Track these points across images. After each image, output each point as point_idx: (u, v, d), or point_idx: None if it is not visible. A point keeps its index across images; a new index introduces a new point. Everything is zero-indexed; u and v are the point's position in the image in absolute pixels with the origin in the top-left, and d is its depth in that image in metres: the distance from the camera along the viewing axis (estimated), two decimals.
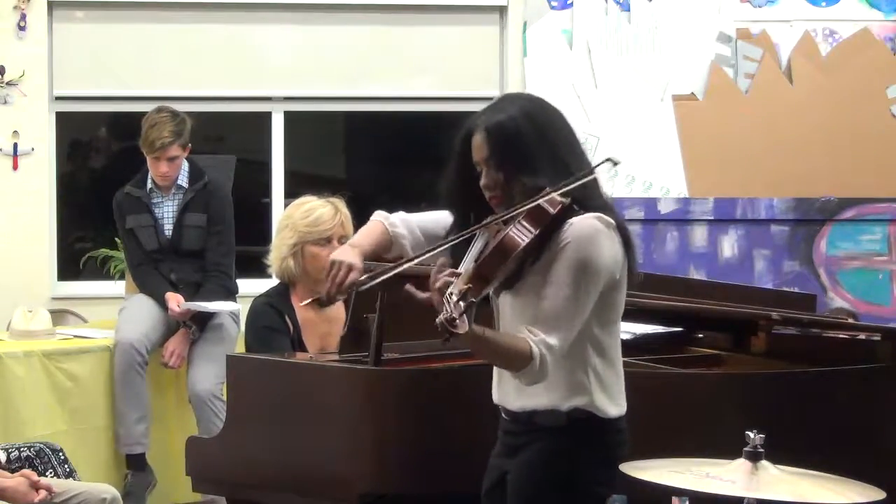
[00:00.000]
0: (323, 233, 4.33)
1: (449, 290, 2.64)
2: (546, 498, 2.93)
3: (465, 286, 2.64)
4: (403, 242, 3.17)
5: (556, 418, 2.91)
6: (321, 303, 3.43)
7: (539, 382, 2.83)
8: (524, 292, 2.90)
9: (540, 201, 2.81)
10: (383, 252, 3.13)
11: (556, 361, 2.82)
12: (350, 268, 2.94)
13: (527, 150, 2.87)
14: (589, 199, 2.89)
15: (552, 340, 2.79)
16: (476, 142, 2.92)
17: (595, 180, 2.94)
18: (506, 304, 2.96)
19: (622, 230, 2.92)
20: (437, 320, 2.61)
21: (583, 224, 2.85)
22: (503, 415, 3.02)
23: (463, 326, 2.60)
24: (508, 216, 2.83)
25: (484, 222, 2.85)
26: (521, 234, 2.78)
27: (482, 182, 2.92)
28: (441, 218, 3.12)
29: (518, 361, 2.79)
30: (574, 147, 2.96)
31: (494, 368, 3.03)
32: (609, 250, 2.87)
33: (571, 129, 2.99)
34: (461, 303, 2.62)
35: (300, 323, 4.32)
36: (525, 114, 2.91)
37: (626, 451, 2.98)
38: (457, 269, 2.72)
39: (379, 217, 3.15)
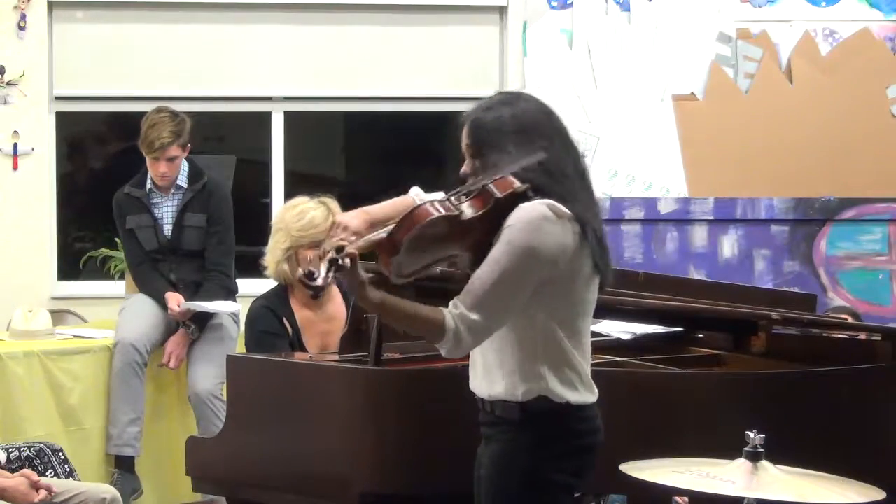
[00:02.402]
0: (315, 236, 4.29)
1: (328, 248, 2.70)
2: (510, 490, 2.95)
3: (344, 251, 2.67)
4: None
5: (512, 410, 2.93)
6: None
7: (459, 355, 2.89)
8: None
9: (487, 183, 2.85)
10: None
11: (480, 338, 2.86)
12: (346, 227, 3.05)
13: (496, 148, 2.94)
14: (551, 187, 2.90)
15: (474, 315, 2.82)
16: (462, 132, 3.04)
17: (579, 172, 2.98)
18: None
19: (581, 223, 2.90)
20: (299, 269, 2.68)
21: (528, 209, 2.87)
22: (479, 404, 3.05)
23: (317, 282, 2.66)
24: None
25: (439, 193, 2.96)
26: (437, 208, 2.79)
27: (461, 170, 3.01)
28: None
29: (430, 331, 2.84)
30: (523, 140, 2.95)
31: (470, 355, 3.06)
32: (553, 237, 2.86)
33: (553, 139, 2.97)
34: (331, 265, 2.65)
35: (299, 323, 4.31)
36: (510, 114, 2.98)
37: (597, 440, 2.98)
38: None
39: (413, 194, 3.22)
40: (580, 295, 2.95)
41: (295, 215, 4.34)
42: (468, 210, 2.82)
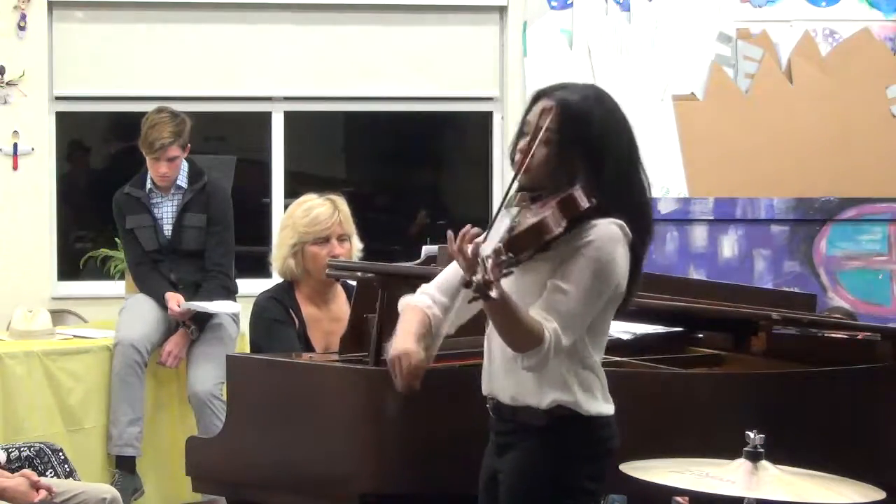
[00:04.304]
0: (320, 232, 4.32)
1: (483, 255, 2.64)
2: (536, 498, 2.94)
3: (503, 254, 2.65)
4: (441, 316, 3.07)
5: (537, 416, 2.92)
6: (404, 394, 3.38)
7: (538, 370, 2.84)
8: (528, 276, 2.90)
9: (574, 192, 2.83)
10: (429, 334, 3.04)
11: (557, 357, 2.83)
12: (408, 354, 2.92)
13: (591, 142, 2.88)
14: (619, 208, 2.90)
15: (563, 335, 2.81)
16: (542, 107, 2.92)
17: (647, 202, 2.98)
18: (505, 284, 2.96)
19: (634, 250, 2.93)
20: (475, 279, 2.61)
21: (607, 228, 2.86)
22: (491, 413, 3.03)
23: (497, 291, 2.62)
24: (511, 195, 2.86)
25: (505, 200, 2.86)
26: (557, 222, 2.79)
27: (520, 145, 2.93)
28: (449, 270, 3.10)
29: (530, 340, 2.79)
30: (630, 159, 2.96)
31: (485, 356, 3.03)
32: (624, 260, 2.89)
33: (635, 144, 2.99)
34: (497, 268, 2.63)
35: (305, 319, 4.31)
36: (603, 108, 2.93)
37: (615, 444, 2.98)
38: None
39: (412, 302, 3.07)
40: (609, 317, 2.98)
41: (302, 212, 4.36)
42: (563, 219, 2.81)
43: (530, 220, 2.79)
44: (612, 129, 2.93)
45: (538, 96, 2.96)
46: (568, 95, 2.93)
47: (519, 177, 2.89)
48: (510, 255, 2.71)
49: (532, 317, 2.81)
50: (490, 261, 2.63)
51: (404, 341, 2.94)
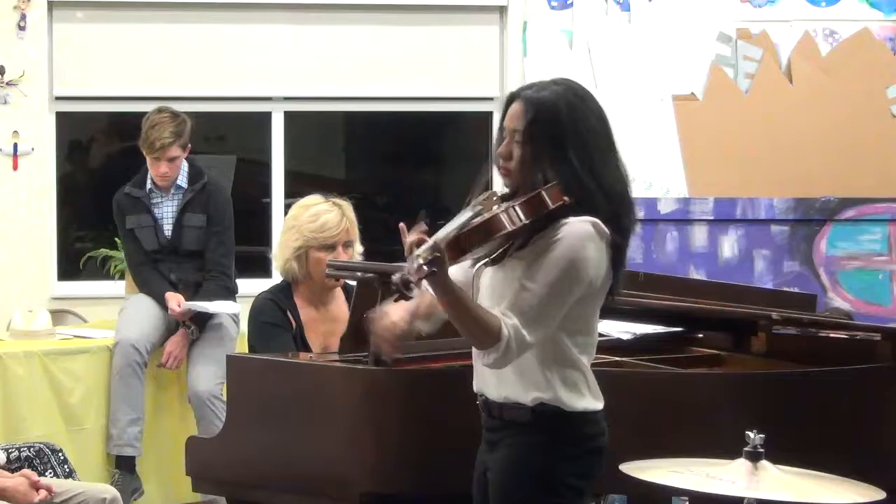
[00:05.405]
0: (327, 239, 4.29)
1: (417, 251, 2.66)
2: (523, 494, 2.94)
3: (436, 252, 2.66)
4: None
5: (522, 413, 2.92)
6: (383, 362, 3.40)
7: (500, 367, 2.85)
8: (504, 272, 2.92)
9: (542, 191, 2.82)
10: (434, 310, 3.07)
11: (522, 354, 2.83)
12: (394, 323, 2.97)
13: (558, 136, 2.88)
14: (597, 204, 2.88)
15: (525, 331, 2.80)
16: (513, 110, 2.94)
17: (628, 197, 2.95)
18: (485, 279, 2.98)
19: (615, 248, 2.91)
20: (394, 278, 2.65)
21: (578, 225, 2.86)
22: (480, 409, 3.04)
23: (414, 292, 2.65)
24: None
25: (470, 198, 2.86)
26: (511, 219, 2.79)
27: (499, 149, 2.95)
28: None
29: (485, 337, 2.80)
30: (602, 149, 2.94)
31: (474, 354, 3.04)
32: (596, 258, 2.87)
33: (608, 133, 2.97)
34: (425, 267, 2.64)
35: (303, 321, 4.31)
36: (567, 102, 2.92)
37: (603, 442, 2.97)
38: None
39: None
40: (597, 308, 2.96)
41: (309, 216, 4.33)
42: (522, 217, 2.81)
43: (482, 217, 2.79)
44: (584, 119, 2.92)
45: (510, 99, 2.98)
46: (536, 93, 2.94)
47: (504, 182, 2.92)
48: (454, 253, 2.71)
49: (489, 313, 2.81)
50: (419, 259, 2.64)
51: (395, 311, 2.99)
